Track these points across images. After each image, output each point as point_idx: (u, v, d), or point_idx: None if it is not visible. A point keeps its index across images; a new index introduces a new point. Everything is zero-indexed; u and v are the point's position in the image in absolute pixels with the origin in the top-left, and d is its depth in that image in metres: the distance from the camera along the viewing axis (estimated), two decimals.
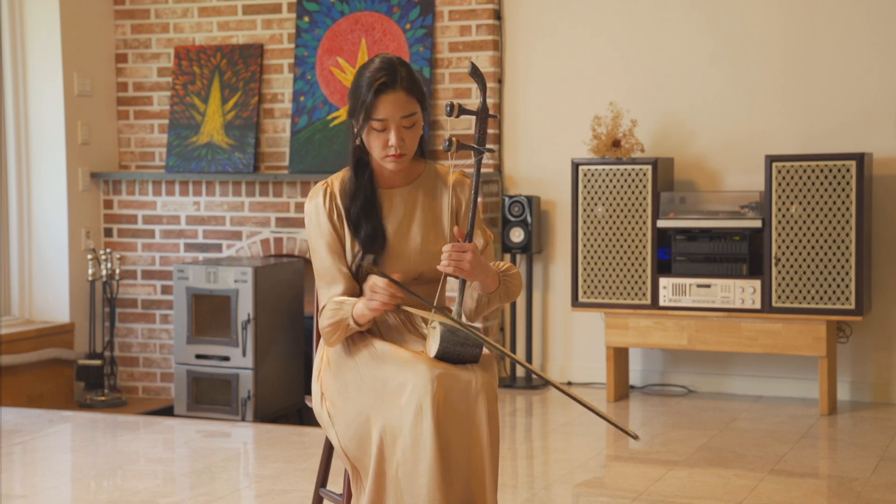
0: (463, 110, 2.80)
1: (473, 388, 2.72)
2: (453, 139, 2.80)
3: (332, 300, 2.90)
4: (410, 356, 2.78)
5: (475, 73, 2.82)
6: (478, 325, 5.92)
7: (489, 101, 6.02)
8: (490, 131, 6.05)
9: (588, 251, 5.64)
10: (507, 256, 6.05)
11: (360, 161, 2.96)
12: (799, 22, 5.69)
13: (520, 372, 6.11)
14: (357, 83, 2.89)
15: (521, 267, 6.10)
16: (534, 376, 6.07)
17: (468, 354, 2.77)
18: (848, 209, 5.22)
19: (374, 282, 2.78)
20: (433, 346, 2.77)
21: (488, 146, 2.83)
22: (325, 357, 2.99)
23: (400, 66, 2.87)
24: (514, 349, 6.07)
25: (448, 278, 2.93)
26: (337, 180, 2.98)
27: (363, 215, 2.92)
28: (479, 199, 5.90)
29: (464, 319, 2.86)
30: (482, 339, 2.75)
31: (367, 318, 2.84)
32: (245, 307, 5.73)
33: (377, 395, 2.78)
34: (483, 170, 6.03)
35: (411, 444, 2.68)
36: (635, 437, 2.72)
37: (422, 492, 2.67)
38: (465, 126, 5.97)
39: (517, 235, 5.94)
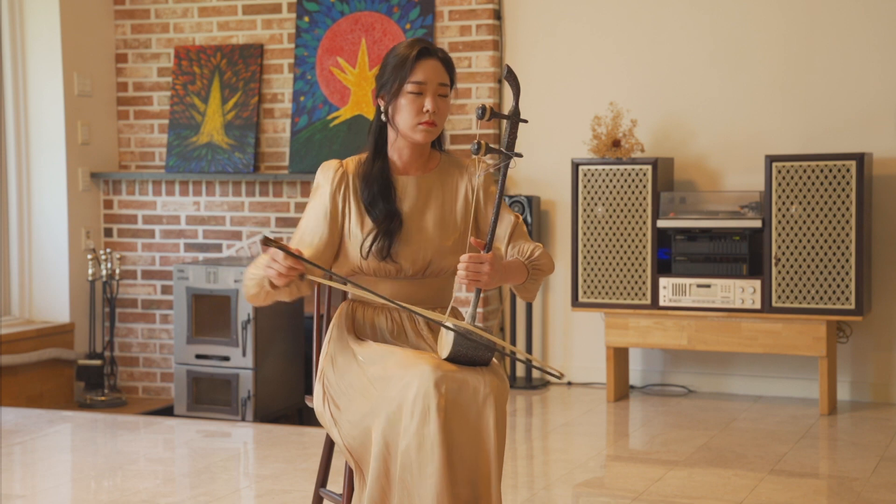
0: (494, 113, 2.78)
1: (482, 393, 2.71)
2: (482, 142, 2.76)
3: (263, 255, 2.84)
4: (415, 356, 2.77)
5: (510, 76, 2.80)
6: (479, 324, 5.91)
7: (489, 101, 6.02)
8: (490, 131, 6.05)
9: (588, 251, 5.64)
10: None
11: (378, 144, 2.97)
12: (799, 22, 5.69)
13: (520, 372, 6.11)
14: (391, 56, 2.94)
15: None
16: (534, 376, 6.07)
17: (480, 358, 2.75)
18: (848, 209, 5.22)
19: (272, 254, 2.74)
20: (446, 347, 2.75)
21: (516, 151, 2.82)
22: (329, 356, 2.98)
23: (438, 49, 2.96)
24: None
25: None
26: (352, 162, 2.99)
27: (380, 195, 2.92)
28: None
29: (476, 322, 2.84)
30: (495, 343, 2.73)
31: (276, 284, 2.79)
32: (245, 307, 5.73)
33: (382, 394, 2.77)
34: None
35: (417, 446, 2.67)
36: (560, 376, 2.68)
37: (429, 493, 2.66)
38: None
39: None
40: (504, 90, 6.13)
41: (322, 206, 2.94)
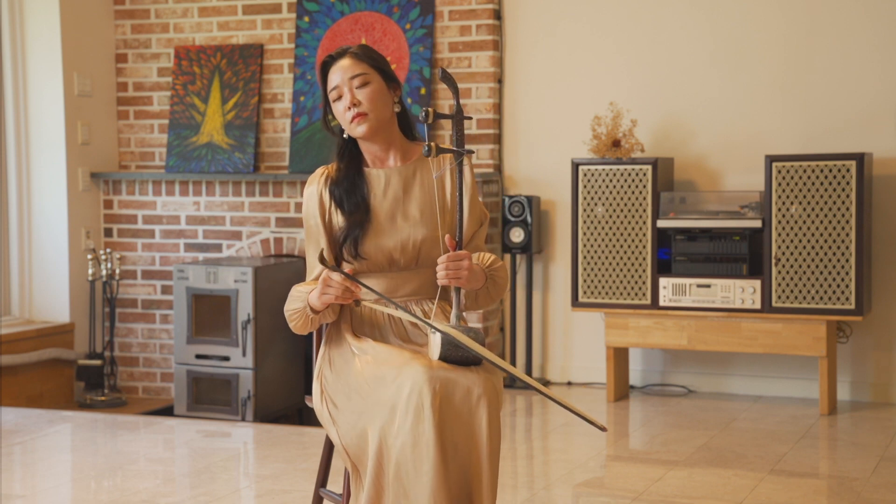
0: (438, 115, 2.84)
1: (475, 393, 2.72)
2: (432, 144, 2.82)
3: (295, 287, 2.97)
4: (410, 357, 2.78)
5: (446, 77, 2.86)
6: (478, 325, 5.92)
7: (489, 101, 6.02)
8: (490, 131, 6.05)
9: (588, 251, 5.64)
10: (508, 257, 6.05)
11: (345, 146, 3.03)
12: (799, 22, 5.69)
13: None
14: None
15: (521, 267, 6.10)
16: (534, 376, 6.07)
17: (471, 356, 2.77)
18: (848, 209, 5.22)
19: (328, 275, 2.82)
20: (435, 349, 2.77)
21: (468, 147, 2.90)
22: (326, 356, 2.99)
23: (351, 47, 3.01)
24: (513, 349, 6.07)
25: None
26: (333, 167, 3.06)
27: (345, 193, 2.97)
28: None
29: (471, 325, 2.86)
30: (472, 348, 2.73)
31: (320, 308, 2.90)
32: (245, 307, 5.73)
33: (377, 394, 2.78)
34: (483, 170, 6.03)
35: (412, 445, 2.68)
36: (603, 429, 2.71)
37: (425, 491, 2.66)
38: (469, 125, 5.98)
39: (517, 235, 5.94)
40: (504, 90, 6.13)
41: (315, 218, 3.00)
